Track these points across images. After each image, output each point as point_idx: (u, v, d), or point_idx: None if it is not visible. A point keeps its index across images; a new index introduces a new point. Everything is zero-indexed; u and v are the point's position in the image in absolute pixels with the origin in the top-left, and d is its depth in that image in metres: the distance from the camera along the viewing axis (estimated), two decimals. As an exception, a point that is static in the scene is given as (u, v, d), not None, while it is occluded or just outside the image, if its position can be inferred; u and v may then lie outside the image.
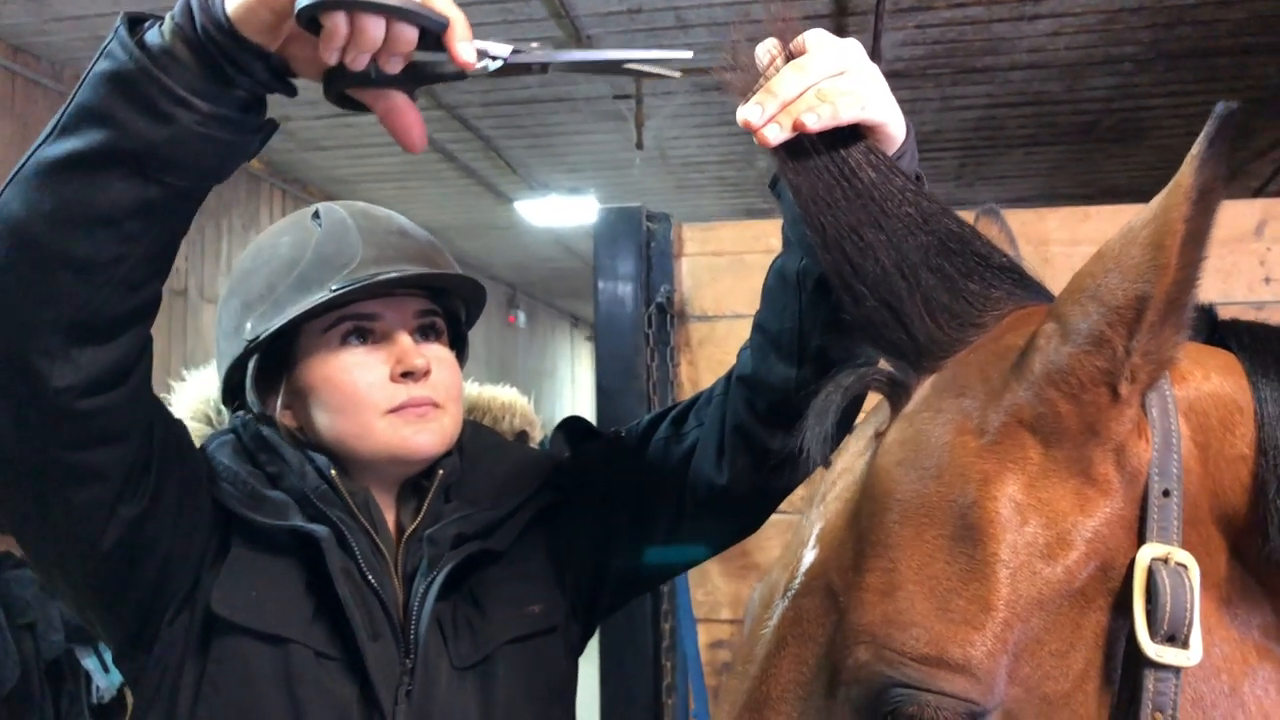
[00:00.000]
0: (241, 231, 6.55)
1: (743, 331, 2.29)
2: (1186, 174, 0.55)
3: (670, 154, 6.26)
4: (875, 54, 4.62)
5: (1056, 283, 2.26)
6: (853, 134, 0.73)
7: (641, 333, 2.20)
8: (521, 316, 11.56)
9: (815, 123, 0.70)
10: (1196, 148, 0.55)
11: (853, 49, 0.77)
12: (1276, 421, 0.59)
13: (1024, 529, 0.57)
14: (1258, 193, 6.05)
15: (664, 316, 2.21)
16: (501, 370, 10.76)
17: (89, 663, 4.22)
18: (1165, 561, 0.56)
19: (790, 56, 0.75)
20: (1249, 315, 2.13)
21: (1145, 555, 0.56)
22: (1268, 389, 0.60)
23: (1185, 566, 0.56)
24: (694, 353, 2.27)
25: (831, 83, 0.73)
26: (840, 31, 4.55)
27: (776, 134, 0.71)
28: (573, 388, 14.35)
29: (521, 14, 4.38)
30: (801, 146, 0.71)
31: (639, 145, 5.22)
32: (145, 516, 0.97)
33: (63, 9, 4.36)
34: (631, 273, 2.22)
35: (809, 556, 0.64)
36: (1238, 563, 0.59)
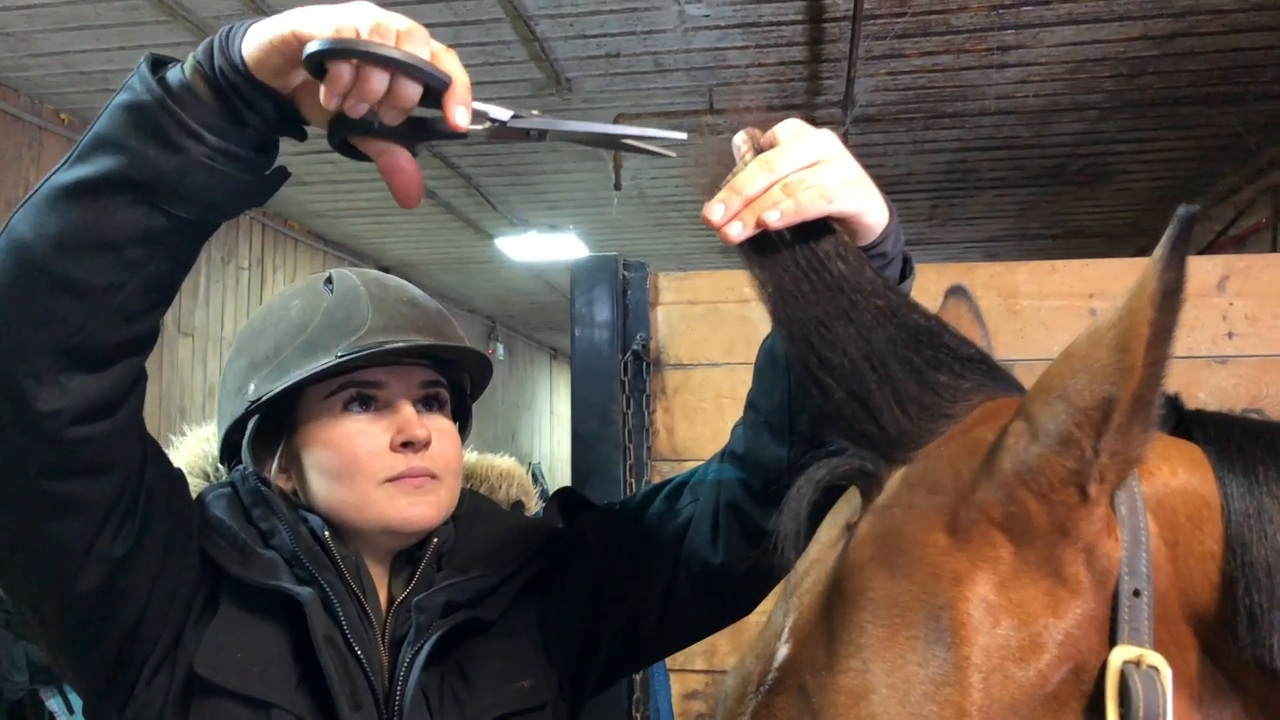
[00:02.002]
0: (220, 265, 6.50)
1: (717, 379, 2.31)
2: (1150, 277, 0.55)
3: (649, 193, 6.31)
4: (848, 99, 4.70)
5: (1025, 334, 2.27)
6: (824, 226, 0.72)
7: (617, 380, 2.21)
8: (501, 349, 11.54)
9: (778, 220, 0.70)
10: (1159, 250, 0.55)
11: (826, 140, 0.77)
12: (1244, 518, 0.59)
13: (996, 631, 0.57)
14: (1220, 235, 6.19)
15: (640, 364, 2.22)
16: (481, 403, 10.58)
17: (53, 703, 4.10)
18: (1137, 664, 0.55)
19: (761, 150, 0.75)
20: (1212, 369, 2.16)
21: (1117, 658, 0.56)
22: (1234, 484, 0.60)
23: (1157, 669, 0.55)
24: (669, 400, 2.28)
25: (799, 176, 0.73)
26: (815, 78, 4.64)
27: (739, 231, 0.71)
28: (551, 419, 14.28)
29: (503, 56, 4.42)
30: (769, 241, 0.71)
31: (617, 186, 5.26)
32: (126, 560, 0.95)
33: (43, 45, 4.36)
34: (608, 320, 2.23)
35: (782, 651, 0.64)
36: (1208, 660, 0.59)
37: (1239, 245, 5.77)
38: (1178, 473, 0.61)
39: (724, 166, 0.75)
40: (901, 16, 4.04)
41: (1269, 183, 5.56)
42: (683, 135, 0.81)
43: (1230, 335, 1.91)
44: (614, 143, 0.85)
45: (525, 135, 0.84)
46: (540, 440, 13.55)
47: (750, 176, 0.73)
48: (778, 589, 0.75)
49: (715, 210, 0.72)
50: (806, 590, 0.66)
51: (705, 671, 2.22)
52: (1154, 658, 0.56)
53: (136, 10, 4.05)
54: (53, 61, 4.52)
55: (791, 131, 0.77)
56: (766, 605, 1.17)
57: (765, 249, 0.71)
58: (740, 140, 0.76)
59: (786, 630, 0.65)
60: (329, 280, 1.15)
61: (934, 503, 0.60)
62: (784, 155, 0.74)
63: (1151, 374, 0.55)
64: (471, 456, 1.32)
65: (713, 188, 0.73)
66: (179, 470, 1.07)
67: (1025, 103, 4.85)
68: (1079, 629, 0.57)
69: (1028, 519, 0.58)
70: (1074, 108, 4.91)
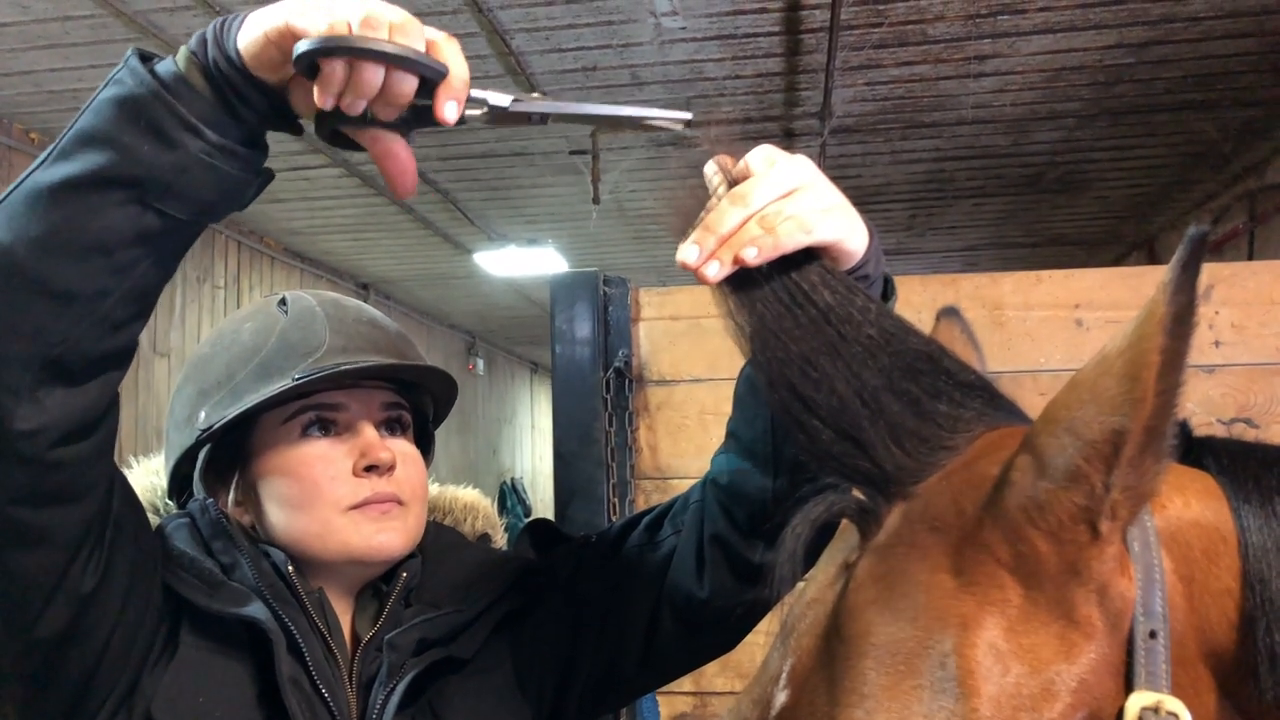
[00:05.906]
0: (196, 284, 6.42)
1: (701, 395, 2.28)
2: (1160, 301, 0.52)
3: (627, 206, 6.28)
4: (826, 110, 4.70)
5: (1010, 345, 2.25)
6: (806, 255, 0.69)
7: (599, 397, 2.17)
8: (481, 364, 11.47)
9: (755, 256, 0.67)
10: (1169, 273, 0.53)
11: (801, 166, 0.74)
12: (1262, 552, 0.56)
13: (1005, 679, 0.53)
14: (1198, 241, 6.21)
15: (622, 381, 2.18)
16: (462, 418, 10.59)
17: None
18: (1156, 711, 0.52)
19: (734, 180, 0.71)
20: (1199, 379, 2.14)
21: (1134, 705, 0.53)
22: (1250, 516, 0.57)
23: (1177, 716, 0.52)
24: (652, 417, 2.25)
25: (776, 207, 0.70)
26: (792, 89, 4.64)
27: (716, 271, 0.68)
28: (533, 434, 14.21)
29: (478, 71, 4.38)
30: (749, 277, 0.68)
31: (595, 200, 5.24)
32: (91, 597, 0.90)
33: (11, 64, 4.29)
34: (588, 337, 2.20)
35: (780, 698, 0.60)
36: (1227, 703, 0.56)
37: (1217, 251, 5.82)
38: (1191, 504, 0.58)
39: (696, 200, 0.71)
40: (878, 27, 4.04)
41: (1245, 189, 5.61)
42: (687, 115, 0.78)
43: (1217, 344, 1.90)
44: (619, 123, 0.81)
45: (527, 119, 0.82)
46: (522, 455, 13.47)
47: (724, 213, 0.69)
48: (771, 622, 0.72)
49: (689, 252, 0.69)
50: (804, 633, 0.62)
51: (693, 693, 2.18)
52: (1173, 703, 0.53)
53: (106, 28, 3.99)
54: (21, 80, 4.44)
55: (764, 159, 0.73)
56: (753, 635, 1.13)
57: (746, 285, 0.68)
58: (711, 171, 0.72)
59: (784, 676, 0.61)
60: (283, 301, 1.11)
61: (937, 542, 0.57)
62: (758, 187, 0.71)
63: (1164, 403, 0.53)
64: (433, 488, 1.26)
65: (685, 227, 0.70)
66: (139, 499, 1.01)
67: (1002, 112, 4.87)
68: (1093, 674, 0.54)
69: (1036, 559, 0.55)
70: (1051, 116, 4.93)
